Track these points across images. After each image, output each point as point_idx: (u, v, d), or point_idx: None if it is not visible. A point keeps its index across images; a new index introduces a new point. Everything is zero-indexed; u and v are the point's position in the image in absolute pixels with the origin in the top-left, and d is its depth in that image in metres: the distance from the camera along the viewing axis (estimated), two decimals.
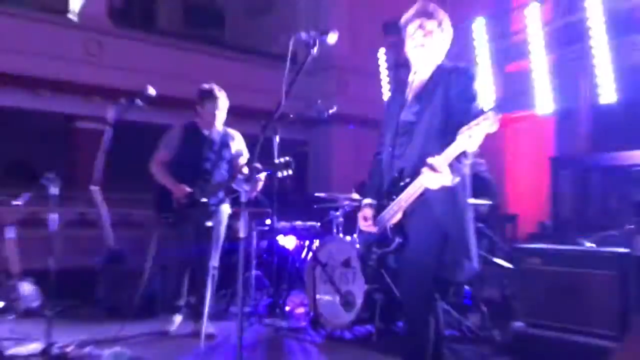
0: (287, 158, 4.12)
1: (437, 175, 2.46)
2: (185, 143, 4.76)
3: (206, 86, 4.79)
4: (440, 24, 2.88)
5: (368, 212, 2.91)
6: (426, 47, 2.85)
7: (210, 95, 4.72)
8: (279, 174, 4.13)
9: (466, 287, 4.83)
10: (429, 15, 2.85)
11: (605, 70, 6.66)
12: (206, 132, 4.78)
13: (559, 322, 3.85)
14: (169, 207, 4.64)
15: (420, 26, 2.85)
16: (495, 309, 4.70)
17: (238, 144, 4.86)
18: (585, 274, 3.80)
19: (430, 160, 2.46)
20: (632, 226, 3.88)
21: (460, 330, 4.66)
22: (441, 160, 2.44)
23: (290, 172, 4.09)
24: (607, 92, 6.53)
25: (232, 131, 4.89)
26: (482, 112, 2.35)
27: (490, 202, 5.07)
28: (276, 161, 4.23)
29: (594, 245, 4.17)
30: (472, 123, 2.33)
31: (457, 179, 2.55)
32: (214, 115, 4.72)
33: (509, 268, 4.75)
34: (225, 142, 4.80)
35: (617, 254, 3.73)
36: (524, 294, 4.14)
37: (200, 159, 4.70)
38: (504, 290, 4.86)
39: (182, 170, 4.67)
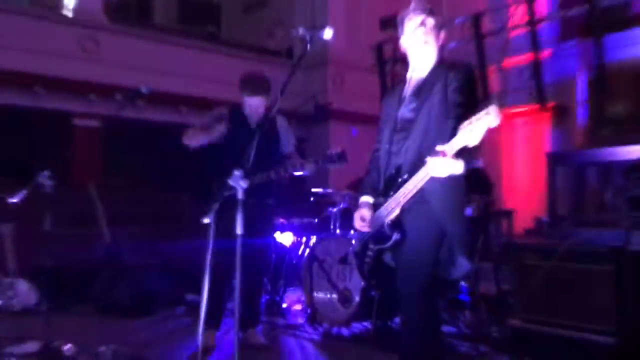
0: (340, 150, 4.03)
1: (447, 161, 2.43)
2: (232, 129, 4.41)
3: (249, 74, 4.49)
4: (439, 20, 2.88)
5: (366, 212, 2.89)
6: (428, 44, 2.85)
7: (250, 86, 4.41)
8: (331, 167, 4.10)
9: (463, 283, 4.83)
10: (430, 12, 2.85)
11: (601, 66, 6.67)
12: (250, 119, 4.47)
13: (555, 318, 3.86)
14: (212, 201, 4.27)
15: (422, 23, 2.84)
16: (491, 305, 4.70)
17: (286, 130, 4.57)
18: (581, 269, 3.81)
19: (440, 147, 2.44)
20: (628, 221, 3.87)
21: (457, 327, 4.67)
22: (450, 148, 2.42)
23: (344, 164, 4.00)
24: (603, 88, 6.54)
25: (279, 117, 4.57)
26: (481, 107, 2.34)
27: (487, 198, 5.08)
28: (328, 153, 4.16)
29: (590, 240, 4.17)
30: (474, 117, 2.33)
31: (462, 168, 2.54)
32: (255, 107, 4.42)
33: (505, 264, 4.75)
34: (269, 129, 4.41)
35: (614, 250, 3.73)
36: (521, 289, 4.14)
37: (243, 147, 4.33)
38: (501, 286, 4.86)
39: (227, 159, 4.22)
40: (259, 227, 4.33)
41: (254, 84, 4.43)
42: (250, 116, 4.48)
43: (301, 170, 4.27)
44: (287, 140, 4.56)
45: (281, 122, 4.58)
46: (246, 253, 4.14)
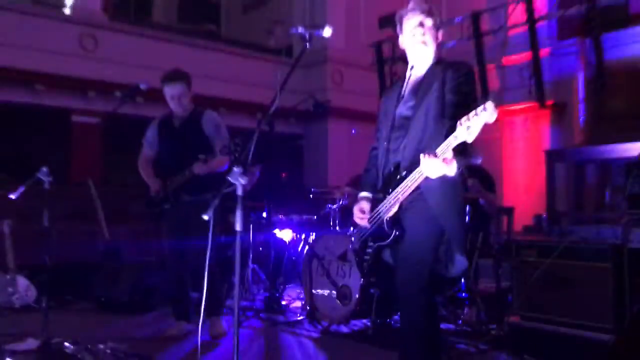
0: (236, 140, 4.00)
1: (438, 163, 2.44)
2: (160, 136, 4.59)
3: (166, 71, 4.50)
4: (437, 20, 2.88)
5: (365, 205, 2.91)
6: (427, 45, 2.85)
7: (163, 81, 4.44)
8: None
9: (462, 280, 4.84)
10: (428, 12, 2.85)
11: (599, 64, 6.67)
12: (175, 121, 4.55)
13: (554, 315, 3.86)
14: (150, 202, 4.56)
15: (421, 24, 2.85)
16: (490, 302, 4.71)
17: (209, 124, 4.48)
18: (580, 266, 3.81)
19: (432, 149, 2.44)
20: (627, 218, 3.88)
21: (456, 324, 4.68)
22: (442, 149, 2.44)
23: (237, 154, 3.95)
24: (602, 86, 6.55)
25: (208, 113, 4.54)
26: (478, 105, 2.34)
27: (488, 196, 5.09)
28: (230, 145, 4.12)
29: (589, 238, 4.18)
30: (471, 114, 2.33)
31: (456, 170, 2.55)
32: (171, 102, 4.45)
33: (504, 261, 4.76)
34: (192, 127, 4.47)
35: (612, 247, 3.73)
36: (520, 287, 4.15)
37: (170, 150, 4.52)
38: (500, 283, 4.87)
39: (161, 164, 4.54)
40: (194, 225, 4.19)
41: (167, 73, 4.45)
42: (175, 114, 4.53)
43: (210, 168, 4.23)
44: (215, 136, 4.43)
45: (208, 118, 4.51)
46: (190, 252, 4.36)
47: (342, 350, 4.33)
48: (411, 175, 2.64)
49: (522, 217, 6.35)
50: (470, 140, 2.38)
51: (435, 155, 2.43)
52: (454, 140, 2.40)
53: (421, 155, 2.48)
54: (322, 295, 5.04)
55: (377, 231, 2.84)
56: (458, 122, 2.37)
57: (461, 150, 2.46)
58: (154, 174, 4.57)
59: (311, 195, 6.04)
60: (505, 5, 8.32)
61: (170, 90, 4.42)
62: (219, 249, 4.63)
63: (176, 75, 4.44)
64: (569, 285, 3.83)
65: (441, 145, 2.44)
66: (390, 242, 2.77)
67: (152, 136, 4.64)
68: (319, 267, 5.08)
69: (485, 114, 2.30)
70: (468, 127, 2.34)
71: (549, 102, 8.06)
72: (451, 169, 2.50)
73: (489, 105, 2.29)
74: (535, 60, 7.66)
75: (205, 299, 3.05)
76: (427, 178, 2.59)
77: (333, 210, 5.48)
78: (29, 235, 4.78)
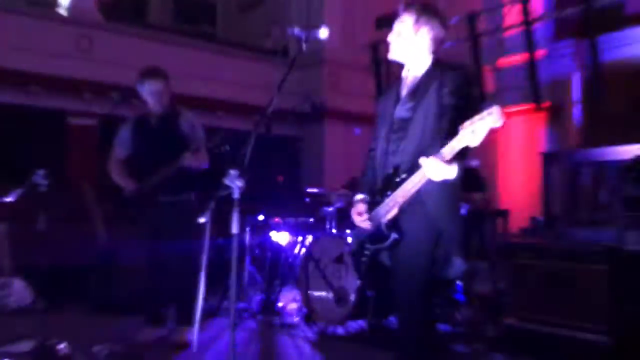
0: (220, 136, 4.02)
1: (442, 165, 2.45)
2: (135, 136, 4.51)
3: (145, 68, 4.46)
4: (429, 21, 2.86)
5: (362, 207, 2.90)
6: (417, 45, 2.84)
7: (144, 76, 4.39)
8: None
9: (458, 282, 4.85)
10: (420, 13, 2.84)
11: (595, 66, 6.69)
12: (152, 120, 4.48)
13: (550, 317, 3.88)
14: (124, 203, 4.47)
15: (415, 27, 2.84)
16: (487, 304, 4.72)
17: (186, 124, 4.44)
18: (576, 268, 3.82)
19: (431, 152, 2.45)
20: (623, 220, 3.90)
21: (453, 326, 4.68)
22: (446, 152, 2.44)
23: (227, 147, 3.96)
24: (598, 87, 6.56)
25: (185, 113, 4.50)
26: (481, 108, 2.34)
27: (482, 196, 5.10)
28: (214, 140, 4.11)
29: (584, 240, 4.20)
30: (476, 118, 2.32)
31: (456, 173, 2.55)
32: (150, 98, 4.40)
33: (500, 263, 4.76)
34: (171, 127, 4.41)
35: (608, 249, 3.75)
36: (516, 288, 4.16)
37: (146, 149, 4.43)
38: (496, 285, 4.88)
39: (136, 164, 4.44)
40: (174, 228, 4.29)
41: (149, 70, 4.42)
42: (152, 113, 4.47)
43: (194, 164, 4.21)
44: (193, 137, 4.37)
45: (185, 117, 4.47)
46: (165, 256, 4.30)
47: (338, 352, 4.33)
48: (411, 178, 2.63)
49: (518, 220, 6.35)
50: (474, 144, 2.38)
51: (440, 158, 2.44)
52: (457, 143, 2.40)
53: (422, 158, 2.48)
54: (319, 297, 5.04)
55: (375, 234, 2.83)
56: (461, 126, 2.37)
57: (461, 154, 2.47)
58: (127, 173, 4.47)
59: (307, 197, 6.04)
60: (501, 6, 8.34)
61: (152, 86, 4.36)
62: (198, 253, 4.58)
63: (158, 72, 4.43)
64: (565, 287, 3.84)
65: (445, 147, 2.44)
66: (388, 245, 2.77)
67: (126, 136, 4.55)
68: (316, 269, 5.08)
69: (490, 119, 2.30)
70: (473, 131, 2.34)
71: (545, 104, 8.07)
72: (452, 172, 2.50)
73: (495, 109, 2.29)
74: (531, 62, 7.67)
75: (200, 300, 3.04)
76: (427, 182, 2.59)
77: (329, 212, 5.48)
78: (25, 238, 4.76)
